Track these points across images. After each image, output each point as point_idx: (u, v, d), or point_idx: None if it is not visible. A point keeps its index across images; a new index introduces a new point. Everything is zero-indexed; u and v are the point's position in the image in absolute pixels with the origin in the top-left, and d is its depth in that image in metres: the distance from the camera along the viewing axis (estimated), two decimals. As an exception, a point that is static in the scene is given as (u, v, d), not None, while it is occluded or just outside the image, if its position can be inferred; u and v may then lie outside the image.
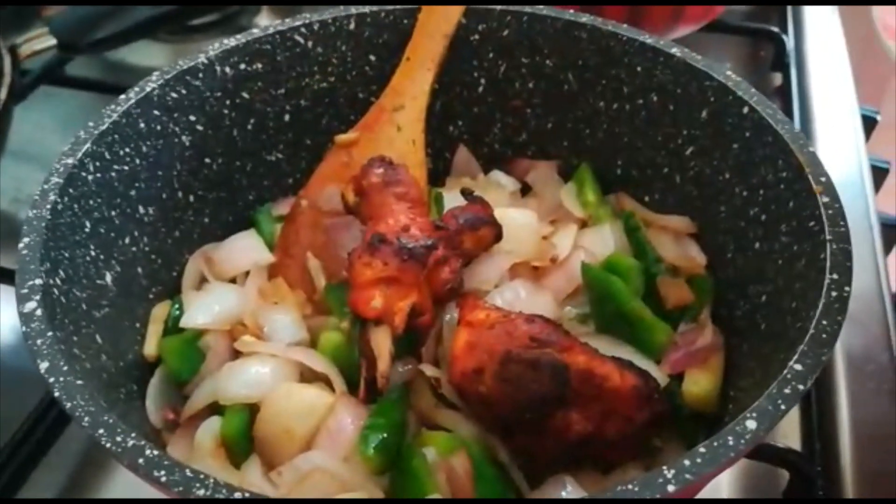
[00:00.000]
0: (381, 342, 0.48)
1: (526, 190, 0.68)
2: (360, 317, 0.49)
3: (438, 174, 0.69)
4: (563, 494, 0.45)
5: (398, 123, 0.62)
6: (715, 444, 0.36)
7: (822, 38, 1.01)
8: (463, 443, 0.48)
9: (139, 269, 0.57)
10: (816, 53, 0.97)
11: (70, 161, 0.51)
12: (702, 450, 0.36)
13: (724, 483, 0.59)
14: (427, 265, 0.50)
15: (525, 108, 0.67)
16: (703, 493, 0.58)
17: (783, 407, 0.38)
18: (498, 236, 0.57)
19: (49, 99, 0.93)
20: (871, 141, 0.96)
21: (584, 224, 0.63)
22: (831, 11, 1.05)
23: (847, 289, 0.42)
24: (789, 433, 0.63)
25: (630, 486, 0.35)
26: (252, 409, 0.51)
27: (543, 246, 0.60)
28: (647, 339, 0.53)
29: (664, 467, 0.35)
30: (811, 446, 0.61)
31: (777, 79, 0.96)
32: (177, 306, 0.57)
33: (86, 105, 0.93)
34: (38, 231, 0.46)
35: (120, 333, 0.53)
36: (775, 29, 0.99)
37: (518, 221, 0.59)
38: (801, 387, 0.38)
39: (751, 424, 0.37)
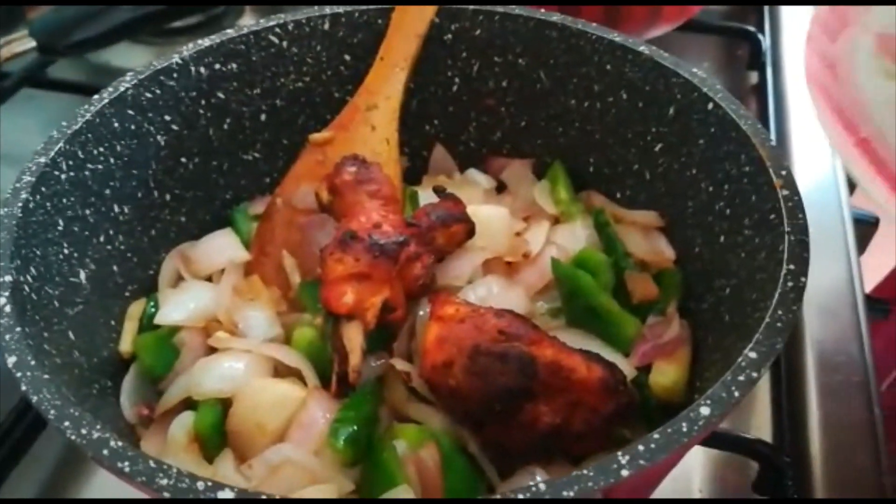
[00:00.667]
0: (353, 337, 0.49)
1: (502, 188, 0.68)
2: (331, 312, 0.50)
3: (416, 173, 0.70)
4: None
5: (372, 122, 0.63)
6: (669, 430, 0.37)
7: (799, 37, 1.02)
8: (433, 435, 0.48)
9: (114, 268, 0.57)
10: (792, 52, 0.98)
11: (42, 160, 0.51)
12: (656, 436, 0.37)
13: (694, 473, 0.60)
14: (399, 261, 0.51)
15: (499, 106, 0.68)
16: (677, 484, 0.59)
17: (737, 394, 0.38)
18: (470, 233, 0.58)
19: (31, 101, 0.93)
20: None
21: (556, 220, 0.64)
22: (807, 10, 1.06)
23: (803, 279, 0.43)
24: (760, 424, 0.63)
25: (585, 472, 0.35)
26: (225, 404, 0.51)
27: (516, 242, 0.61)
28: (616, 333, 0.54)
29: (619, 452, 0.36)
30: (781, 437, 0.62)
31: (753, 77, 0.98)
32: (152, 304, 0.58)
33: (68, 108, 0.93)
34: (8, 228, 0.47)
35: (94, 330, 0.54)
36: (751, 28, 1.00)
37: (491, 218, 0.60)
38: (754, 374, 0.39)
39: (704, 411, 0.38)
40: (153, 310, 0.57)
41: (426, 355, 0.49)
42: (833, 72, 0.50)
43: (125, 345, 0.56)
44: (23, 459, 0.62)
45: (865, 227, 0.86)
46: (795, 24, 1.04)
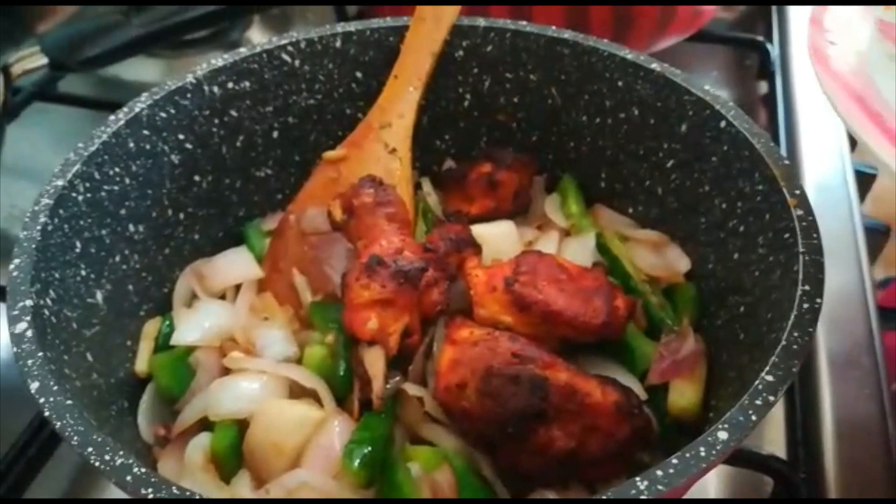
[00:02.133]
0: (375, 363, 0.49)
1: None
2: (354, 337, 0.50)
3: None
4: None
5: (385, 140, 0.63)
6: (687, 454, 0.37)
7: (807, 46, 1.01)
8: (446, 457, 0.49)
9: (130, 287, 0.58)
10: (801, 62, 0.98)
11: (60, 182, 0.52)
12: (674, 461, 0.37)
13: (709, 490, 0.60)
14: (419, 288, 0.51)
15: (510, 122, 0.68)
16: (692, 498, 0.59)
17: (754, 418, 0.38)
18: (478, 255, 0.58)
19: (42, 116, 0.94)
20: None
21: (567, 234, 0.64)
22: (816, 19, 1.06)
23: (818, 300, 0.43)
24: (774, 440, 0.63)
25: (604, 497, 0.36)
26: (242, 425, 0.51)
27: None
28: (631, 356, 0.54)
29: (637, 478, 0.36)
30: (795, 453, 0.62)
31: (762, 87, 0.98)
32: (167, 323, 0.58)
33: (79, 121, 0.94)
34: (28, 252, 0.47)
35: (111, 351, 0.54)
36: (760, 38, 1.00)
37: (497, 235, 0.61)
38: (771, 397, 0.39)
39: (722, 435, 0.38)
40: (168, 329, 0.58)
41: (440, 377, 0.49)
42: (836, 45, 0.50)
43: (141, 365, 0.56)
44: (39, 475, 0.62)
45: (876, 237, 0.86)
46: (804, 34, 1.03)
